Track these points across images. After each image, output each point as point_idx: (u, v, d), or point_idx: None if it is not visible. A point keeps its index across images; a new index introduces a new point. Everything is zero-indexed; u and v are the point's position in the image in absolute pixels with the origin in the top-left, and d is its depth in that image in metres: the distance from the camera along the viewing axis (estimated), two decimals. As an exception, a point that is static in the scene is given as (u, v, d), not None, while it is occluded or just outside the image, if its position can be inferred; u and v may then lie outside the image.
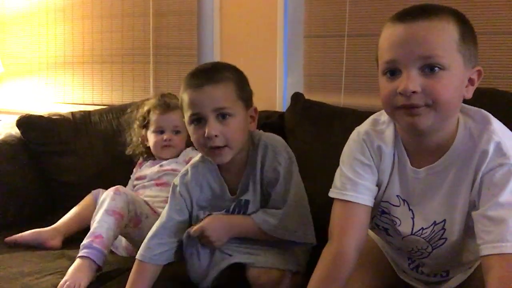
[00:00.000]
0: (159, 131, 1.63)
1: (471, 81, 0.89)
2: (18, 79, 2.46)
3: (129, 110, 1.80)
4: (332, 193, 0.99)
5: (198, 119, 1.12)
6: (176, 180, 1.24)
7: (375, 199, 0.99)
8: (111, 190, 1.38)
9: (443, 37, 0.84)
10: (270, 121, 1.63)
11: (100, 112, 1.95)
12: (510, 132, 0.92)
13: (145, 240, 1.20)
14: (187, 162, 1.42)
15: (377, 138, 0.98)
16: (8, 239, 1.49)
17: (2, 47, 2.45)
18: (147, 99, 1.74)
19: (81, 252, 1.27)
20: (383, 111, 0.99)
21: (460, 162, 0.91)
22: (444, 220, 0.94)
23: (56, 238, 1.49)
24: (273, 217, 1.14)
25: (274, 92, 1.85)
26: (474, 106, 0.95)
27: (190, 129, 1.15)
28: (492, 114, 0.93)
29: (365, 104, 1.61)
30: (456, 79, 0.86)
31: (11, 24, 2.44)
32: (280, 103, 1.85)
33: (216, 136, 1.10)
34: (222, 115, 1.12)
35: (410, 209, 0.98)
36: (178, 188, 1.22)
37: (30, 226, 1.55)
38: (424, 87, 0.84)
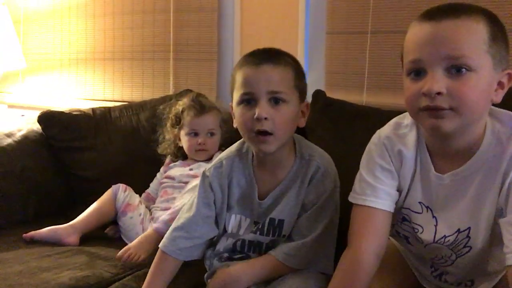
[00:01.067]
0: (193, 133, 1.61)
1: (500, 84, 0.85)
2: (40, 75, 2.49)
3: (161, 107, 1.77)
4: (351, 198, 0.97)
5: (249, 100, 1.05)
6: (208, 171, 1.18)
7: (396, 205, 0.96)
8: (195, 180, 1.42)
9: (472, 37, 0.81)
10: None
11: (120, 108, 1.95)
12: None
13: (171, 229, 1.17)
14: None
15: (399, 142, 0.95)
16: (25, 235, 1.50)
17: (25, 44, 2.48)
18: (180, 98, 1.71)
19: (156, 223, 1.37)
20: (406, 113, 0.96)
21: (487, 168, 0.87)
22: (469, 228, 0.91)
23: (73, 235, 1.49)
24: (295, 250, 1.08)
25: (294, 90, 1.82)
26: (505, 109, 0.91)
27: (238, 109, 1.08)
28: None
29: (389, 103, 1.56)
30: (484, 82, 0.82)
31: (33, 20, 2.47)
32: (301, 101, 1.83)
33: (266, 119, 1.03)
34: (275, 100, 1.04)
35: (433, 216, 0.94)
36: (209, 180, 1.16)
37: (50, 222, 1.56)
38: (450, 88, 0.80)
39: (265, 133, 1.05)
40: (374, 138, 0.99)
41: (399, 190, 0.96)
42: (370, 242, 0.92)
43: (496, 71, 0.84)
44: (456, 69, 0.81)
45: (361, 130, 1.40)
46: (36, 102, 2.45)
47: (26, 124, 1.90)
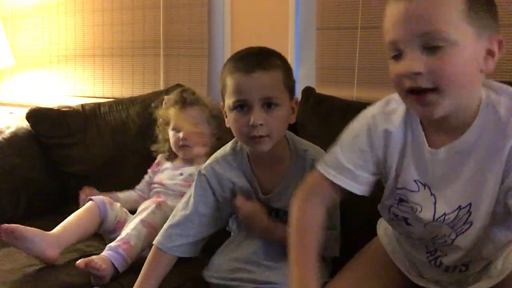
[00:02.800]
0: (177, 129, 1.56)
1: (490, 53, 0.80)
2: (28, 72, 2.46)
3: (153, 105, 1.73)
4: (318, 165, 0.97)
5: (242, 106, 1.07)
6: (204, 169, 1.18)
7: (387, 186, 0.94)
8: (154, 203, 1.36)
9: (447, 9, 0.77)
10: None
11: (110, 104, 1.95)
12: None
13: (166, 226, 1.17)
14: None
15: (385, 121, 0.92)
16: (4, 226, 1.26)
17: (13, 40, 2.45)
18: (169, 93, 1.68)
19: (104, 253, 1.23)
20: None
21: (488, 141, 0.82)
22: (470, 204, 0.87)
23: (56, 249, 1.29)
24: None
25: (285, 85, 1.82)
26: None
27: (231, 114, 1.09)
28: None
29: (379, 98, 1.56)
30: (466, 54, 0.77)
31: (21, 17, 2.44)
32: (292, 97, 1.83)
33: (261, 125, 1.05)
34: (268, 104, 1.06)
35: (432, 194, 0.90)
36: (206, 177, 1.17)
37: (41, 219, 1.54)
38: (429, 67, 0.77)
39: (260, 136, 1.07)
40: (361, 116, 0.97)
41: (385, 172, 0.94)
42: (316, 201, 0.95)
43: (481, 39, 0.78)
44: (433, 45, 0.77)
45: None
46: (25, 99, 2.42)
47: (15, 121, 1.89)
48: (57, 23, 2.35)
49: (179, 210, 1.18)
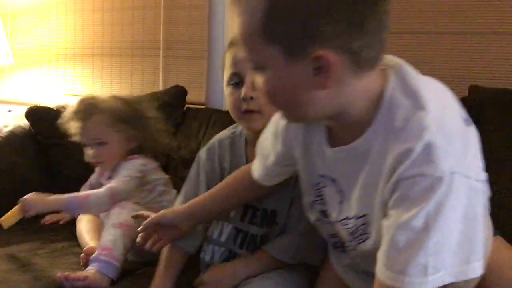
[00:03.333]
0: (84, 145, 1.44)
1: (319, 69, 0.67)
2: (27, 70, 2.46)
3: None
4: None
5: (237, 83, 1.08)
6: (202, 153, 1.19)
7: (301, 180, 0.92)
8: (116, 206, 1.33)
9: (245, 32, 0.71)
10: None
11: (108, 104, 1.94)
12: (453, 118, 0.70)
13: None
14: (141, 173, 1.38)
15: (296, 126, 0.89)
16: None
17: (12, 38, 2.45)
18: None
19: (89, 267, 1.20)
20: None
21: (378, 147, 0.72)
22: (364, 215, 0.79)
23: None
24: (288, 243, 1.08)
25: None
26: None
27: (227, 90, 1.11)
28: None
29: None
30: (275, 79, 0.71)
31: (21, 15, 2.44)
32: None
33: (251, 98, 1.05)
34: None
35: (338, 191, 0.82)
36: (203, 164, 1.18)
37: (39, 218, 1.55)
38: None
39: (251, 111, 1.07)
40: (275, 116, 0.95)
41: (296, 163, 0.91)
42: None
43: (292, 60, 0.68)
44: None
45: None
46: (24, 97, 2.42)
47: (13, 120, 1.88)
48: (56, 22, 2.35)
49: (177, 202, 1.19)
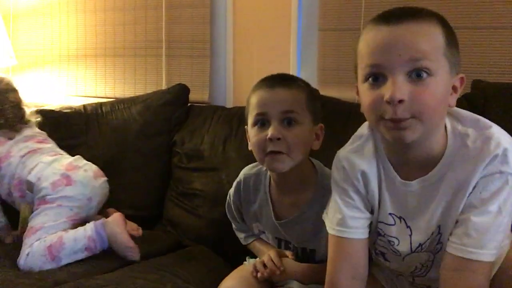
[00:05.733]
0: None
1: (454, 88, 0.86)
2: (31, 71, 2.47)
3: None
4: (327, 227, 0.98)
5: (263, 122, 1.09)
6: (231, 191, 1.28)
7: (372, 223, 0.96)
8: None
9: (431, 40, 0.80)
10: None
11: (112, 103, 1.96)
12: (509, 136, 0.87)
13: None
14: None
15: (357, 160, 0.94)
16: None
17: (15, 40, 2.45)
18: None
19: None
20: (364, 124, 0.96)
21: (455, 169, 0.86)
22: (439, 226, 0.90)
23: None
24: None
25: (287, 86, 1.83)
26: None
27: (252, 131, 1.12)
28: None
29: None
30: (442, 86, 0.82)
31: (23, 16, 2.44)
32: (294, 98, 1.83)
33: (278, 139, 1.05)
34: (288, 120, 1.07)
35: (407, 226, 0.93)
36: (231, 198, 1.28)
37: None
38: (412, 95, 0.79)
39: (278, 152, 1.07)
40: (335, 161, 0.98)
41: (372, 208, 0.95)
42: (344, 269, 0.94)
43: (451, 75, 0.83)
44: (417, 73, 0.79)
45: (355, 130, 1.40)
46: (27, 99, 2.41)
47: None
48: (59, 23, 2.35)
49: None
